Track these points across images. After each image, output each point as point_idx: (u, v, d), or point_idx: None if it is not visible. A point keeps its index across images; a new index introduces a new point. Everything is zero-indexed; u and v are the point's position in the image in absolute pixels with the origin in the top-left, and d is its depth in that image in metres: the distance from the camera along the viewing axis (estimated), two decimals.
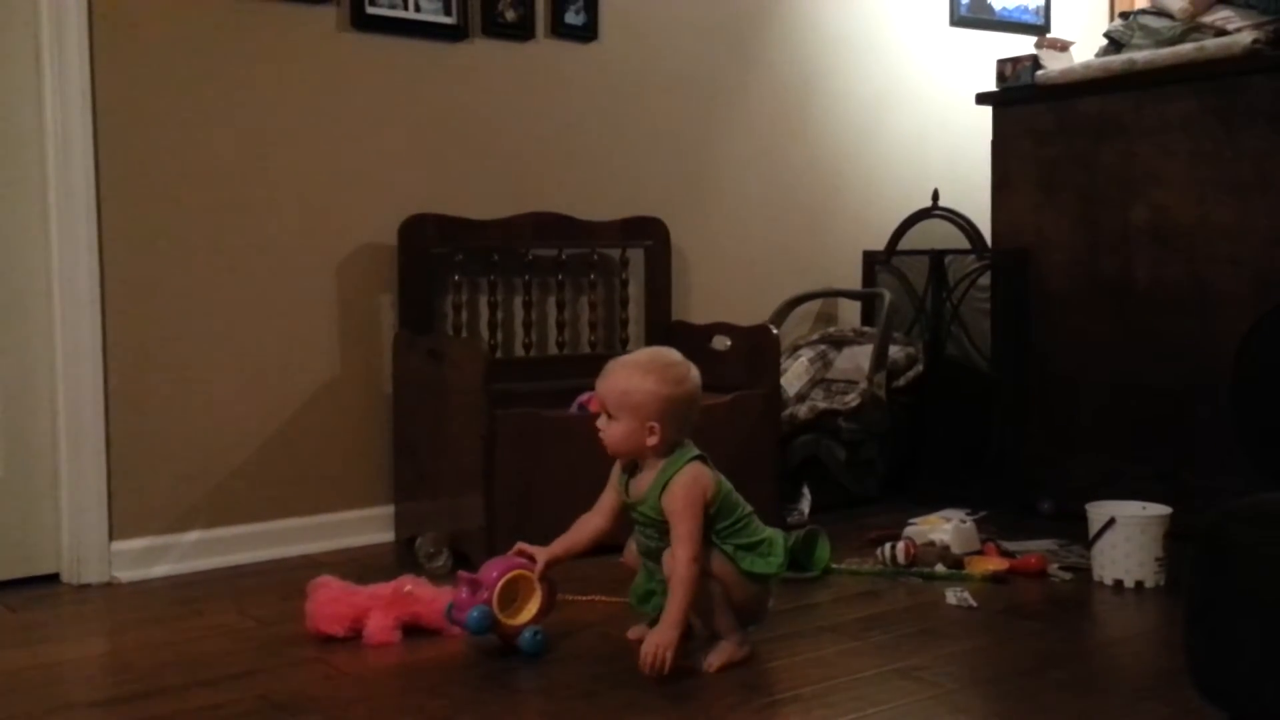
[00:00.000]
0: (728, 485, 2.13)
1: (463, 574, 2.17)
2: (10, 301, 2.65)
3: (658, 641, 1.99)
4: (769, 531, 2.15)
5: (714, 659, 2.08)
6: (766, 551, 2.11)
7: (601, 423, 2.14)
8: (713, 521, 2.09)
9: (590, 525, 2.19)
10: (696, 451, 2.13)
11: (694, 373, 2.15)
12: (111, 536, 2.72)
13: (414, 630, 2.25)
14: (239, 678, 2.07)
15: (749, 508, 2.15)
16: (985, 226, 3.55)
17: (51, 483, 2.70)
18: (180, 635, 2.33)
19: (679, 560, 2.02)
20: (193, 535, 2.82)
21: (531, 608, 2.13)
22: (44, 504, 2.70)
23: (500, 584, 2.10)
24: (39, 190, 2.66)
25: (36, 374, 2.68)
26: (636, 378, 2.09)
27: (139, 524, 2.75)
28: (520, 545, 2.19)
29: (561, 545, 2.18)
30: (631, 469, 2.16)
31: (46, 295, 2.68)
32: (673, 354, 2.16)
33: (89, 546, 2.69)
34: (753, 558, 2.09)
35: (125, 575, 2.72)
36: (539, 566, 2.14)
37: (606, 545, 2.21)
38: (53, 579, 2.71)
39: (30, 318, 2.67)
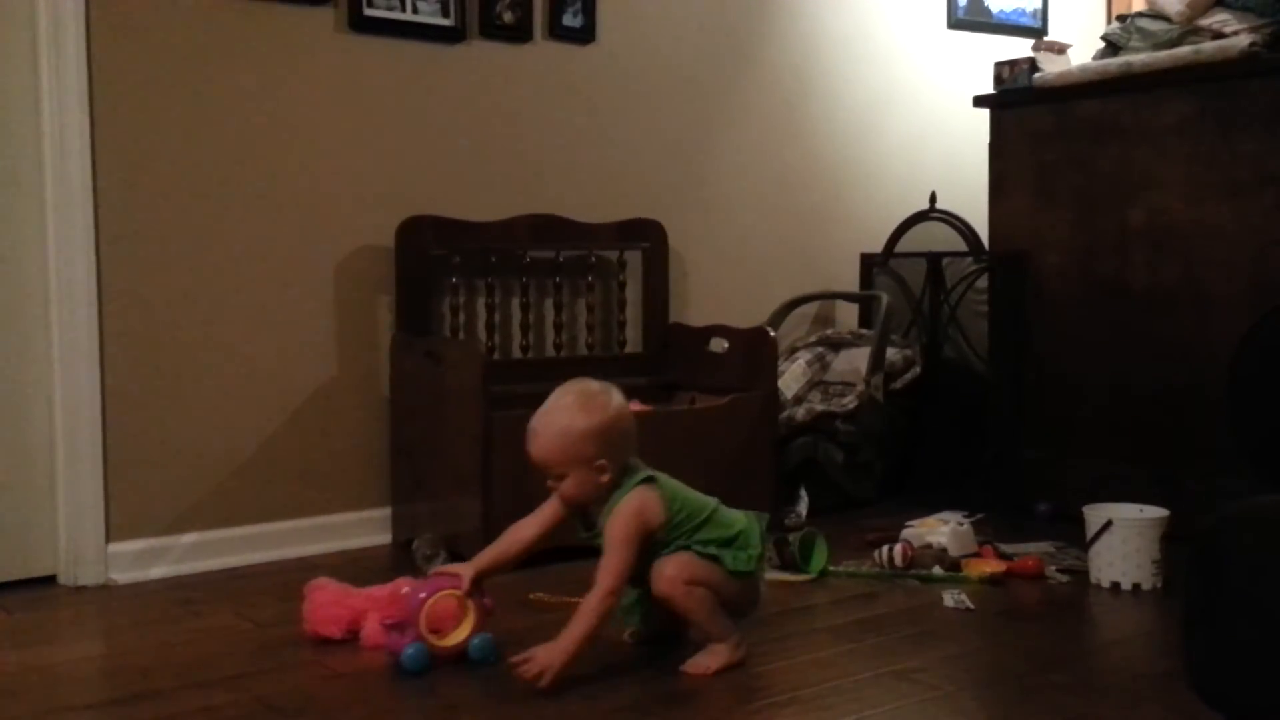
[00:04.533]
0: (683, 493, 2.08)
1: (381, 619, 2.11)
2: (7, 303, 2.65)
3: (544, 661, 1.93)
4: (741, 521, 2.10)
5: (710, 662, 2.06)
6: (744, 544, 2.08)
7: (552, 484, 2.06)
8: (680, 531, 2.05)
9: (524, 535, 2.11)
10: (645, 472, 2.07)
11: (615, 392, 2.08)
12: (108, 538, 2.72)
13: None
14: (236, 680, 2.07)
15: (712, 501, 2.11)
16: (983, 229, 3.55)
17: (48, 484, 2.70)
18: (177, 637, 2.33)
19: (596, 591, 1.97)
20: (190, 537, 2.81)
21: (464, 628, 2.08)
22: (41, 505, 2.70)
23: (425, 612, 2.03)
24: (36, 192, 2.66)
25: (33, 376, 2.68)
26: (564, 424, 2.01)
27: (136, 526, 2.75)
28: (440, 568, 2.14)
29: (489, 557, 2.12)
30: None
31: (43, 297, 2.68)
32: (587, 383, 2.08)
33: (86, 548, 2.69)
34: (733, 553, 2.06)
35: (122, 577, 2.72)
36: (465, 584, 2.07)
37: (555, 551, 2.16)
38: (50, 580, 2.70)
39: (27, 320, 2.67)
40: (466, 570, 2.09)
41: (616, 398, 2.07)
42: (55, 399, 2.68)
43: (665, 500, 2.05)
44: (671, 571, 2.02)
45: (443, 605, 2.07)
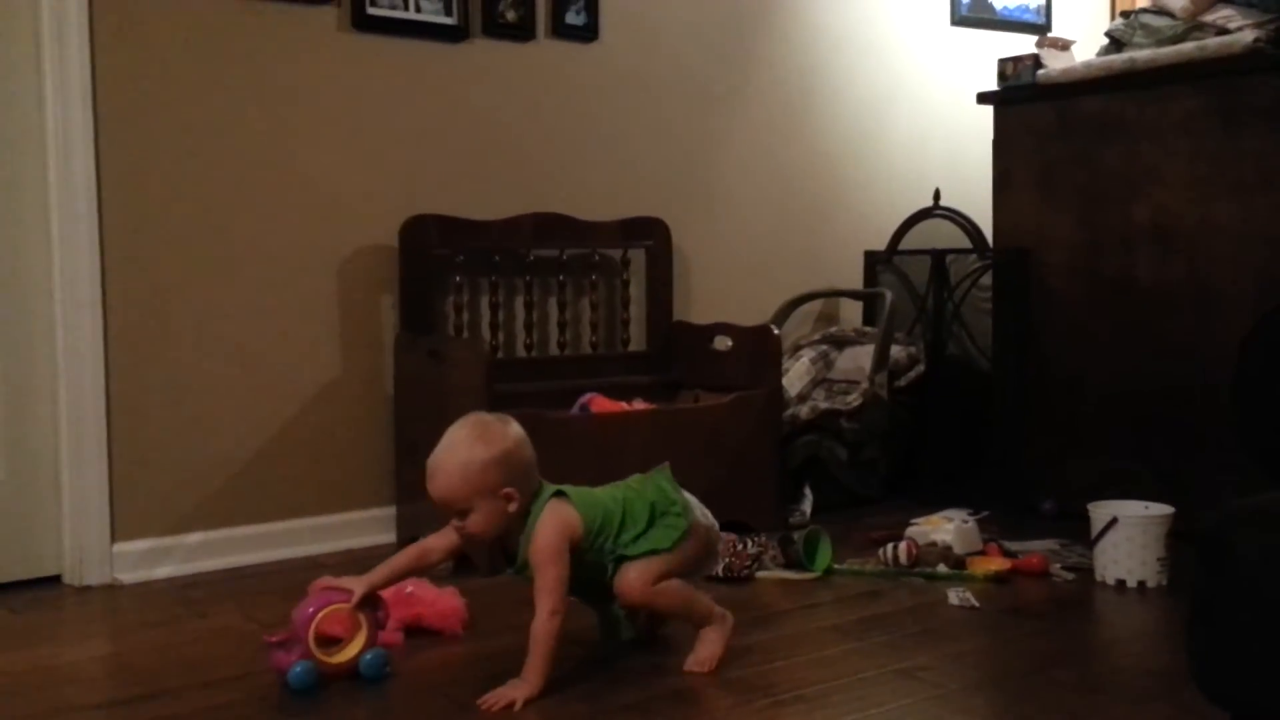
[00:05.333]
0: (595, 498, 2.04)
1: (266, 637, 2.07)
2: (12, 304, 2.66)
3: (511, 695, 1.91)
4: (649, 494, 2.06)
5: (707, 655, 2.06)
6: (664, 511, 2.04)
7: (456, 524, 2.00)
8: (604, 537, 2.01)
9: (428, 558, 2.06)
10: (553, 489, 2.03)
11: (511, 422, 2.03)
12: (113, 538, 2.72)
13: (416, 631, 2.26)
14: (241, 679, 2.07)
15: (619, 491, 2.06)
16: (987, 226, 3.55)
17: (53, 485, 2.71)
18: (182, 637, 2.34)
19: (539, 615, 1.94)
20: (195, 537, 2.82)
21: (356, 643, 2.02)
22: (46, 506, 2.70)
23: (313, 627, 1.97)
24: (40, 192, 2.66)
25: (38, 377, 2.68)
26: (464, 457, 1.95)
27: (141, 526, 2.75)
28: (327, 579, 2.08)
29: (385, 573, 2.06)
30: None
31: (47, 298, 2.68)
32: (481, 415, 2.03)
33: (91, 548, 2.69)
34: (663, 531, 2.03)
35: (127, 577, 2.72)
36: (354, 598, 2.01)
37: None
38: (55, 581, 2.71)
39: (31, 321, 2.67)
40: (358, 585, 2.03)
41: (514, 426, 2.03)
42: (59, 399, 2.69)
43: (580, 510, 2.01)
44: (634, 582, 2.00)
45: (331, 620, 2.00)
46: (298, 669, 1.97)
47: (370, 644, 2.03)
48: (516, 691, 1.92)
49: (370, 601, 2.04)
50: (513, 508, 1.98)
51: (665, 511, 2.06)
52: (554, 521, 1.98)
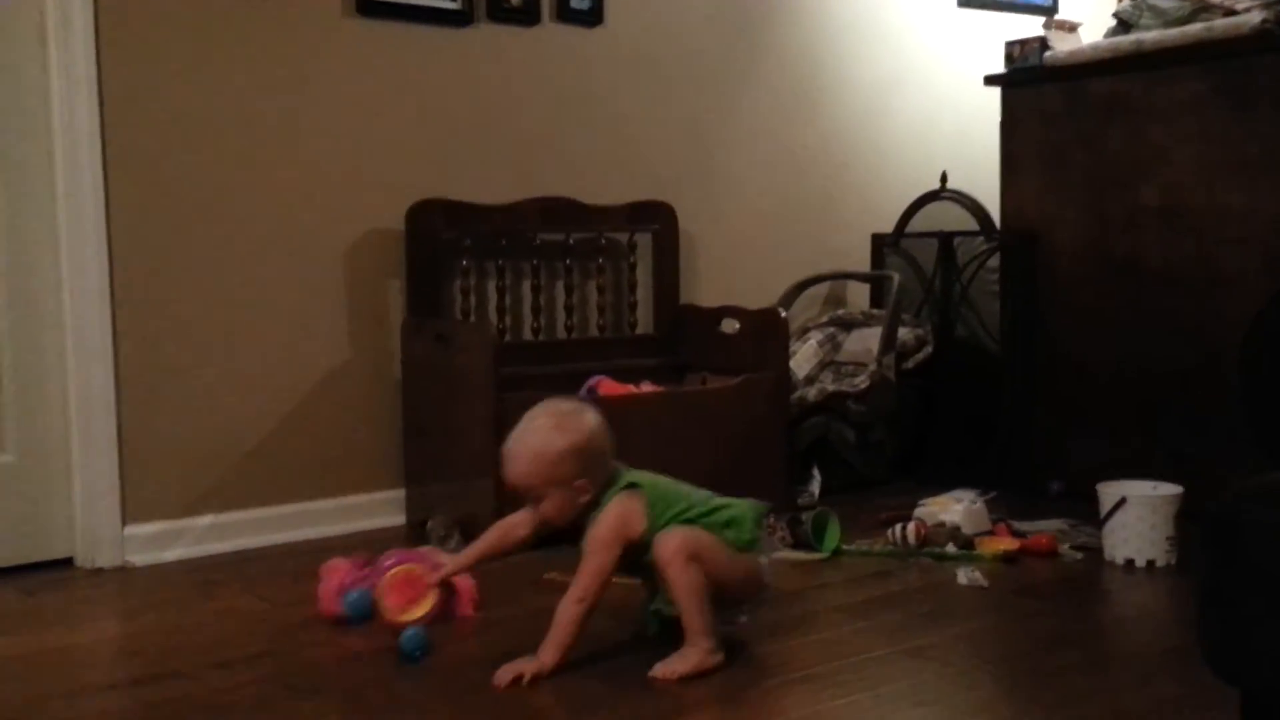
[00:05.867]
0: (669, 490, 2.03)
1: (337, 562, 2.14)
2: (20, 290, 2.66)
3: (520, 669, 1.92)
4: (734, 507, 2.05)
5: (679, 666, 1.94)
6: (738, 525, 2.03)
7: (530, 509, 2.03)
8: (683, 515, 2.00)
9: (516, 533, 2.08)
10: (628, 478, 2.03)
11: (589, 410, 2.05)
12: (124, 521, 2.73)
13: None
14: (253, 660, 2.08)
15: (703, 493, 2.06)
16: (994, 208, 3.55)
17: (64, 468, 2.72)
18: (194, 618, 2.35)
19: (567, 596, 1.96)
20: (205, 519, 2.83)
21: (420, 608, 2.07)
22: (57, 489, 2.71)
23: (389, 574, 2.04)
24: (47, 181, 2.67)
25: (48, 361, 2.69)
26: (540, 446, 1.98)
27: (152, 509, 2.77)
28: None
29: (476, 553, 2.11)
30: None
31: (56, 284, 2.69)
32: (560, 403, 2.06)
33: (102, 531, 2.71)
34: (734, 531, 2.02)
35: (139, 559, 2.74)
36: (438, 574, 2.07)
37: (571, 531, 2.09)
38: (67, 563, 2.72)
39: (40, 306, 2.68)
40: (452, 563, 2.08)
41: (591, 416, 2.04)
42: (69, 385, 2.70)
43: (647, 506, 2.00)
44: (677, 542, 1.96)
45: (408, 577, 2.06)
46: (354, 595, 2.04)
47: (431, 617, 2.07)
48: (526, 666, 1.93)
49: (449, 587, 2.10)
50: (584, 499, 2.00)
51: (740, 526, 2.03)
52: (616, 514, 1.99)
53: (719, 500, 2.07)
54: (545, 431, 2.00)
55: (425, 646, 2.04)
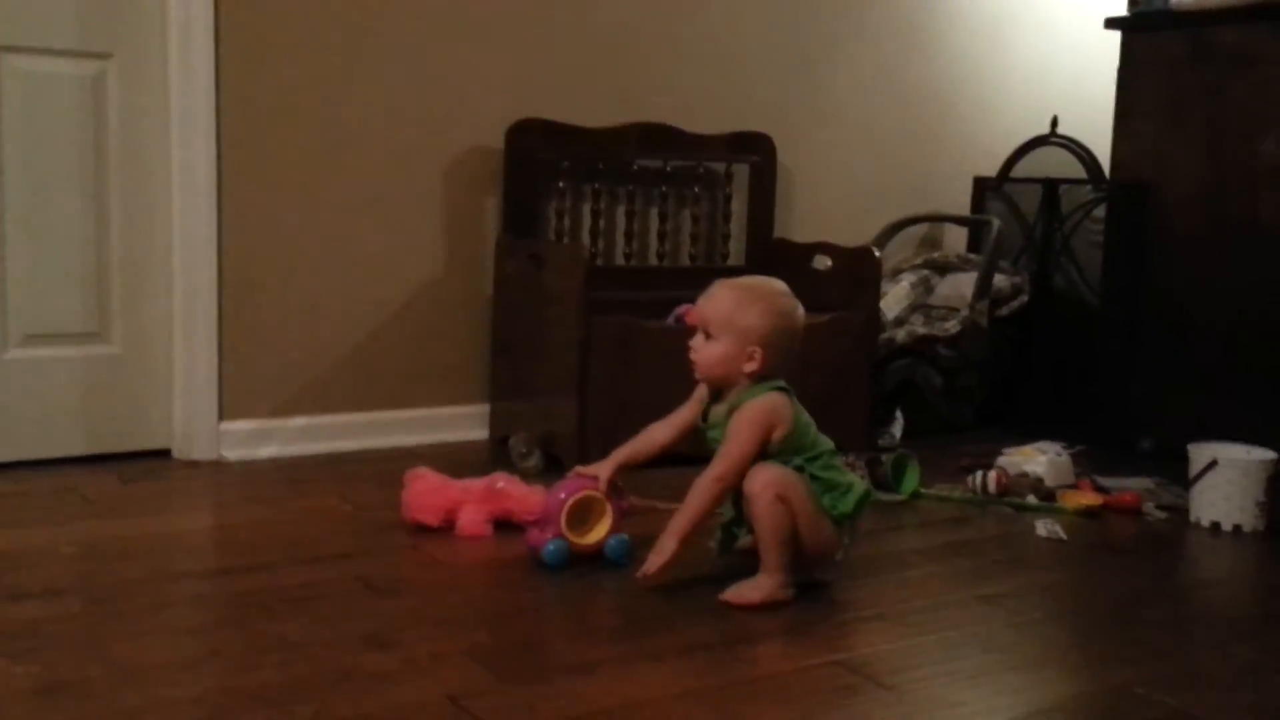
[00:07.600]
0: (807, 419, 2.04)
1: (528, 519, 2.19)
2: (131, 189, 2.73)
3: (651, 556, 1.97)
4: (849, 478, 2.06)
5: (751, 594, 1.96)
6: (844, 494, 2.02)
7: (697, 342, 2.05)
8: (794, 448, 2.01)
9: (657, 437, 2.13)
10: (782, 384, 2.04)
11: (800, 308, 2.08)
12: (221, 417, 2.82)
13: (504, 525, 2.31)
14: (337, 559, 2.15)
15: (829, 444, 2.06)
16: (1105, 157, 3.44)
17: (166, 362, 2.81)
18: (282, 515, 2.42)
19: (705, 474, 1.98)
20: (298, 421, 2.91)
21: (603, 526, 2.13)
22: (158, 382, 2.81)
23: (566, 511, 2.09)
24: (160, 79, 2.72)
25: (155, 258, 2.77)
26: (746, 301, 2.01)
27: (247, 406, 2.85)
28: (578, 469, 2.15)
29: (624, 455, 2.14)
30: (715, 395, 2.08)
31: (166, 184, 2.75)
32: (781, 284, 2.08)
33: (199, 425, 2.80)
34: (834, 498, 2.01)
35: (233, 454, 2.83)
36: (602, 484, 2.11)
37: (679, 457, 2.14)
38: (164, 454, 2.82)
39: (150, 205, 2.75)
40: (603, 471, 2.12)
41: (801, 316, 2.07)
42: (175, 281, 2.77)
43: (794, 415, 2.02)
44: (768, 477, 1.96)
45: (583, 505, 2.11)
46: (551, 546, 2.09)
47: (614, 529, 2.13)
48: (655, 550, 1.97)
49: (616, 489, 2.14)
50: (749, 368, 2.00)
51: (846, 494, 2.02)
52: (770, 404, 2.00)
53: (839, 468, 2.07)
54: (760, 292, 2.04)
55: (626, 550, 2.12)
